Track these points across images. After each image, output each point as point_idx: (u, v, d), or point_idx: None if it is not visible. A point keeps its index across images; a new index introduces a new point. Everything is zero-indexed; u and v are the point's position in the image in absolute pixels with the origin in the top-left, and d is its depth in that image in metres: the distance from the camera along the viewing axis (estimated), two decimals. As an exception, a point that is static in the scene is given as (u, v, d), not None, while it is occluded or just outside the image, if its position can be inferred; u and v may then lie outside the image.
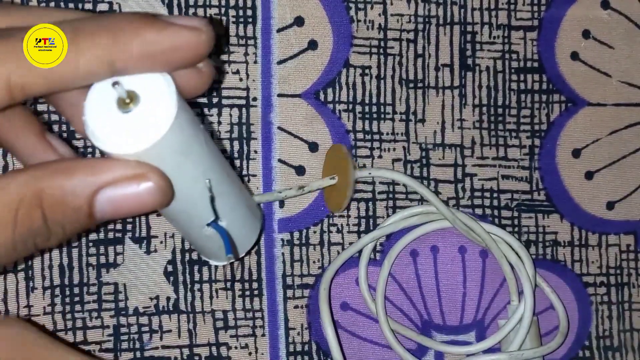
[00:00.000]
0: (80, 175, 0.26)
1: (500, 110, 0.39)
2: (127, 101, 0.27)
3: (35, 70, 0.25)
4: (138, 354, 0.35)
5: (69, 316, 0.34)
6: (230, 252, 0.28)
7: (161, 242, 0.36)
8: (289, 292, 0.37)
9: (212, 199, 0.29)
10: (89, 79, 0.27)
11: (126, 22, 0.26)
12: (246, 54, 0.36)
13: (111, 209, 0.27)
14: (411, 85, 0.38)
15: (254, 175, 0.37)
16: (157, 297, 0.36)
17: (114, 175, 0.26)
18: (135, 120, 0.26)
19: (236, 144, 0.37)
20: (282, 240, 0.37)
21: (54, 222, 0.27)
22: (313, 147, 0.38)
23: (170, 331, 0.36)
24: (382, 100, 0.38)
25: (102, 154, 0.27)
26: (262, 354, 0.37)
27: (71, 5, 0.34)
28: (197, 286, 0.36)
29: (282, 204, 0.37)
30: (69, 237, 0.28)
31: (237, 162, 0.37)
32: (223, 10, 0.36)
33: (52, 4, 0.34)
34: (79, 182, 0.26)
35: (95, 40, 0.26)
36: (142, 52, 0.26)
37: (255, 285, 0.37)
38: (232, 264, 0.36)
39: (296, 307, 0.37)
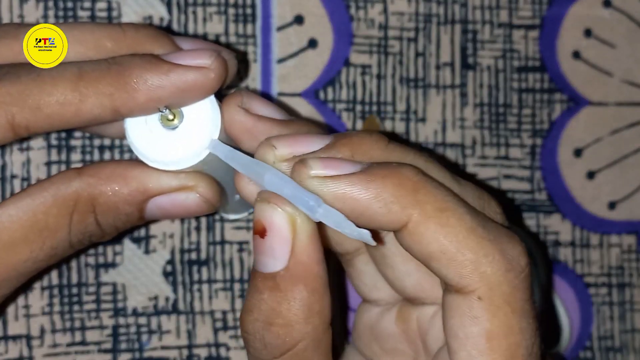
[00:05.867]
0: (133, 185, 0.27)
1: (501, 110, 0.39)
2: (171, 117, 0.27)
3: (39, 112, 0.26)
4: (137, 355, 0.35)
5: (67, 316, 0.34)
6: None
7: (160, 242, 0.35)
8: (289, 293, 0.37)
9: None
10: (93, 122, 0.27)
11: (131, 66, 0.26)
12: (246, 52, 0.36)
13: (160, 213, 0.28)
14: (412, 84, 0.38)
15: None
16: (156, 298, 0.35)
17: (164, 186, 0.28)
18: (181, 137, 0.27)
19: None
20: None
21: (107, 224, 0.28)
22: (313, 146, 0.37)
23: (169, 332, 0.36)
24: (382, 100, 0.38)
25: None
26: (262, 354, 0.37)
27: (70, 4, 0.34)
28: (196, 286, 0.36)
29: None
30: (122, 230, 0.29)
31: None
32: (222, 8, 0.36)
33: (50, 3, 0.34)
34: (131, 191, 0.27)
35: (99, 88, 0.26)
36: (147, 97, 0.26)
37: (254, 285, 0.37)
38: (231, 265, 0.36)
39: (296, 307, 0.37)
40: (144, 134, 0.27)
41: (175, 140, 0.27)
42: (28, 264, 0.27)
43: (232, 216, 0.36)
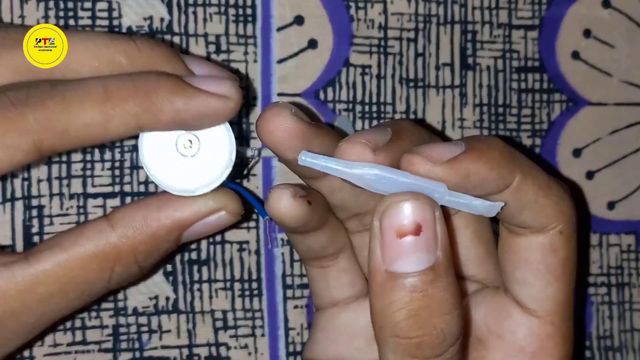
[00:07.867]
0: (168, 223, 0.28)
1: (500, 110, 0.39)
2: (188, 143, 0.28)
3: (66, 135, 0.26)
4: (137, 354, 0.35)
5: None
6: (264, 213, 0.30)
7: (160, 242, 0.35)
8: (289, 292, 0.37)
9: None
10: (115, 140, 0.28)
11: (158, 87, 0.26)
12: (246, 52, 0.36)
13: (193, 237, 0.29)
14: (411, 84, 0.38)
15: (254, 175, 0.37)
16: (156, 297, 0.35)
17: (198, 214, 0.28)
18: (199, 164, 0.28)
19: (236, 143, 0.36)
20: (282, 240, 0.37)
21: (146, 264, 0.28)
22: (313, 146, 0.37)
23: (169, 331, 0.36)
24: (382, 100, 0.38)
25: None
26: (262, 354, 0.37)
27: (70, 5, 0.34)
28: (196, 286, 0.36)
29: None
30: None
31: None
32: (223, 9, 0.36)
33: (51, 3, 0.34)
34: (168, 230, 0.28)
35: (126, 108, 0.26)
36: (170, 119, 0.27)
37: (254, 285, 0.37)
38: (231, 265, 0.36)
39: (296, 307, 0.37)
40: (163, 165, 0.28)
41: (195, 166, 0.28)
42: (64, 312, 0.27)
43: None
